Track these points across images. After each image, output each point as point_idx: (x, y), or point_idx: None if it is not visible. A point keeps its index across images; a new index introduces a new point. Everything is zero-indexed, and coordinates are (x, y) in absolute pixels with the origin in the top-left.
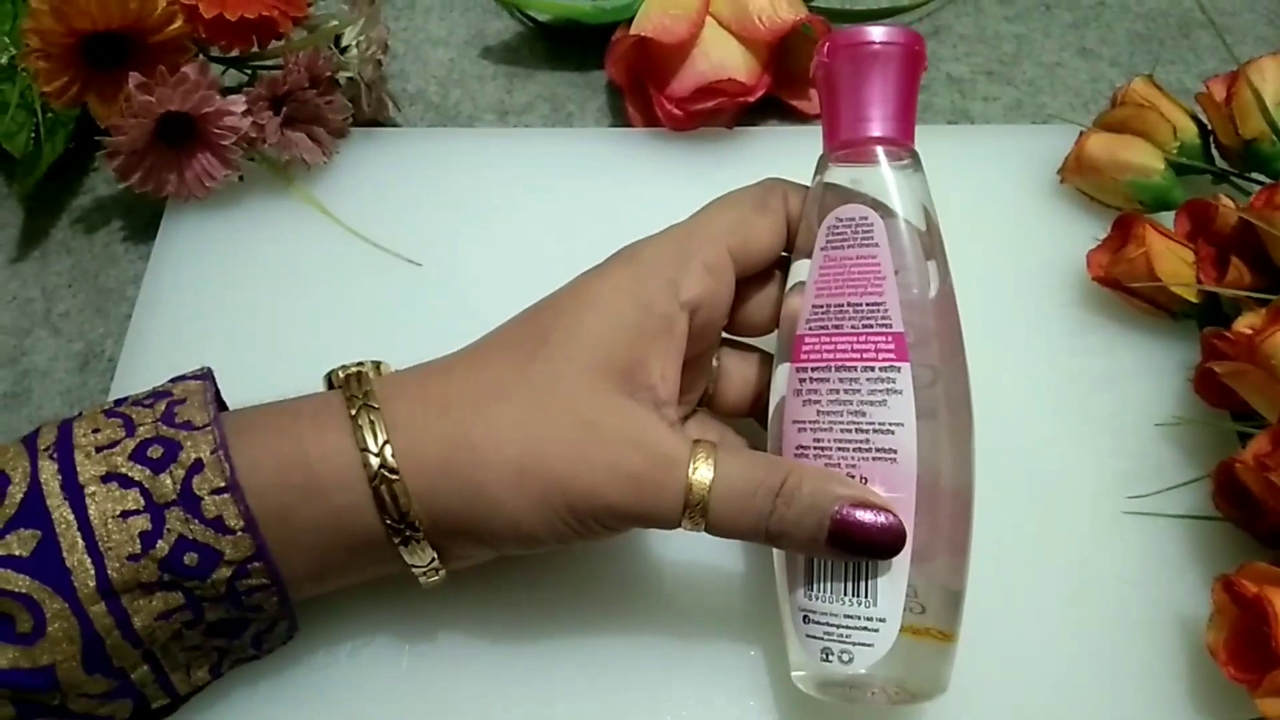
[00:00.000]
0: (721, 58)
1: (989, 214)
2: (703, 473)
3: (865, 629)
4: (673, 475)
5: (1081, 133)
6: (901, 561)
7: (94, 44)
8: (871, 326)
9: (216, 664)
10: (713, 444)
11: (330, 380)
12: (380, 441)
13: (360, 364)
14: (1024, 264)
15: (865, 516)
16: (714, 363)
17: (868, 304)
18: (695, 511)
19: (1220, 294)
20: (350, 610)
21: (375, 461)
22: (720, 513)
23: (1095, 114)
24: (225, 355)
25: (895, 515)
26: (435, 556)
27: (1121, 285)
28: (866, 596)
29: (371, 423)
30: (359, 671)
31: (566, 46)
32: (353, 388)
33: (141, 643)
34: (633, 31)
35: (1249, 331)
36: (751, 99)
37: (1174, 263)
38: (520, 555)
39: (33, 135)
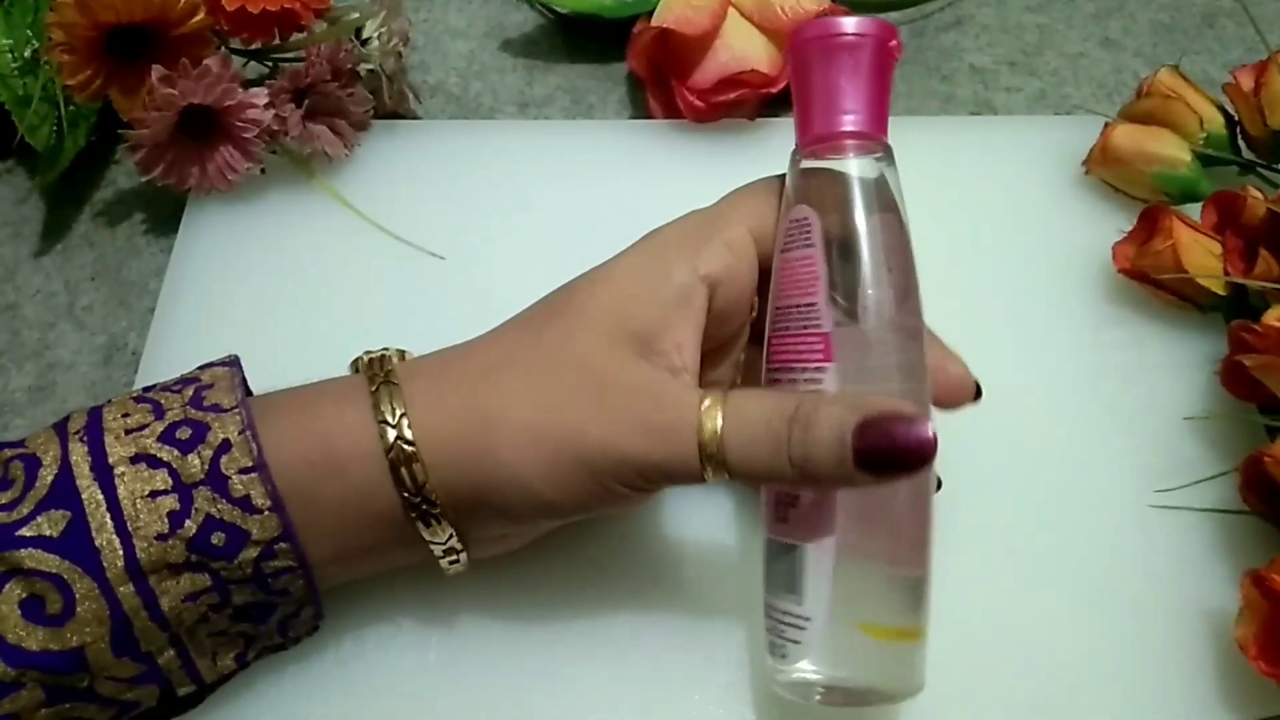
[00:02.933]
0: (743, 49)
1: (1013, 206)
2: (714, 412)
3: (795, 625)
4: (684, 419)
5: (1107, 124)
6: (824, 555)
7: (117, 37)
8: (806, 328)
9: (242, 652)
10: (723, 389)
11: (355, 366)
12: (397, 415)
13: (385, 349)
14: (1049, 257)
15: (889, 425)
16: (740, 356)
17: (804, 304)
18: (713, 454)
19: (1248, 286)
20: (376, 601)
21: (392, 434)
22: (738, 451)
23: (1119, 105)
24: (247, 347)
25: (921, 416)
26: (454, 534)
27: (1148, 278)
28: (795, 592)
29: (390, 398)
30: (388, 662)
31: (587, 38)
32: (375, 368)
33: (169, 625)
34: (654, 23)
35: (1277, 324)
36: (774, 90)
37: (1201, 255)
38: (544, 538)
39: (55, 129)
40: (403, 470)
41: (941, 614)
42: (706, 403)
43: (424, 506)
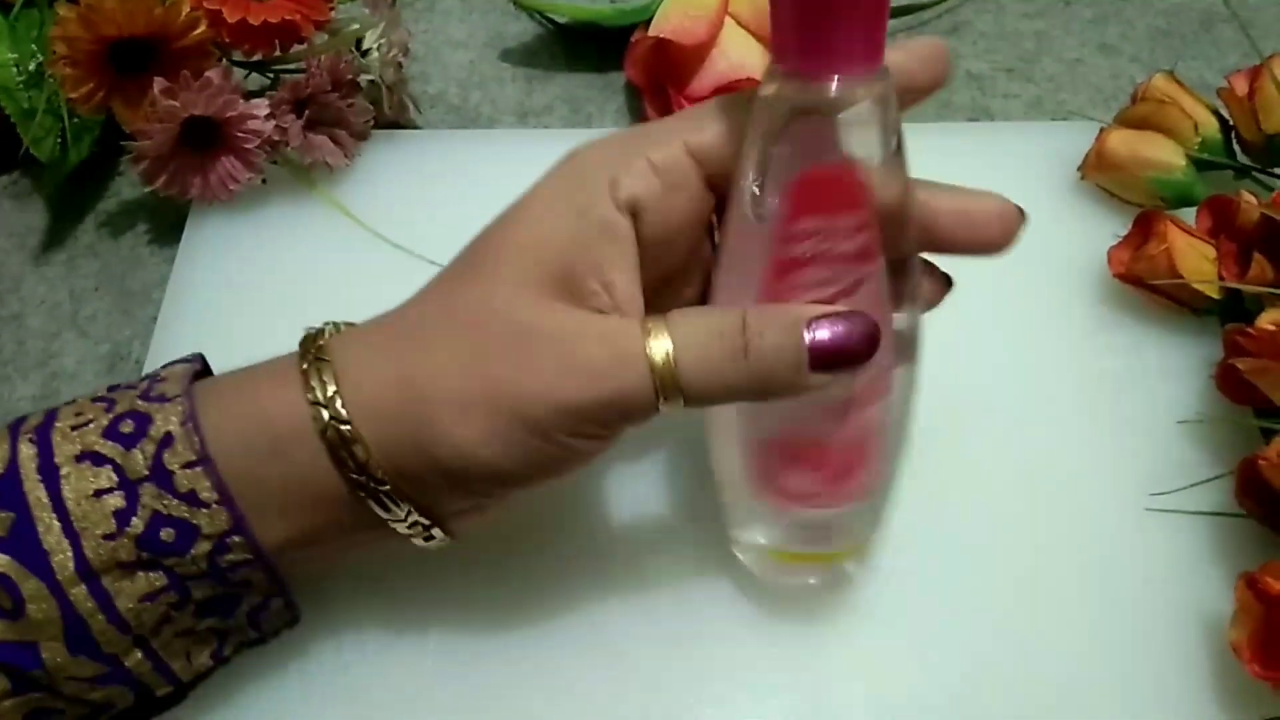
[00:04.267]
0: (741, 57)
1: None
2: (660, 336)
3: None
4: (629, 349)
5: (1102, 129)
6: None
7: (119, 50)
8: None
9: (218, 648)
10: (661, 315)
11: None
12: (329, 393)
13: (326, 323)
14: (1044, 261)
15: (838, 320)
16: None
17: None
18: (668, 380)
19: (1243, 290)
20: (372, 606)
21: (326, 414)
22: (694, 370)
23: (1116, 111)
24: (249, 356)
25: (864, 315)
26: (412, 510)
27: (1143, 282)
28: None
29: (320, 374)
30: (387, 667)
31: (585, 48)
32: (307, 344)
33: (129, 627)
34: (651, 33)
35: (1272, 327)
36: None
37: (1196, 259)
38: (543, 538)
39: (59, 141)
40: (342, 452)
41: (937, 614)
42: (650, 331)
43: (371, 485)
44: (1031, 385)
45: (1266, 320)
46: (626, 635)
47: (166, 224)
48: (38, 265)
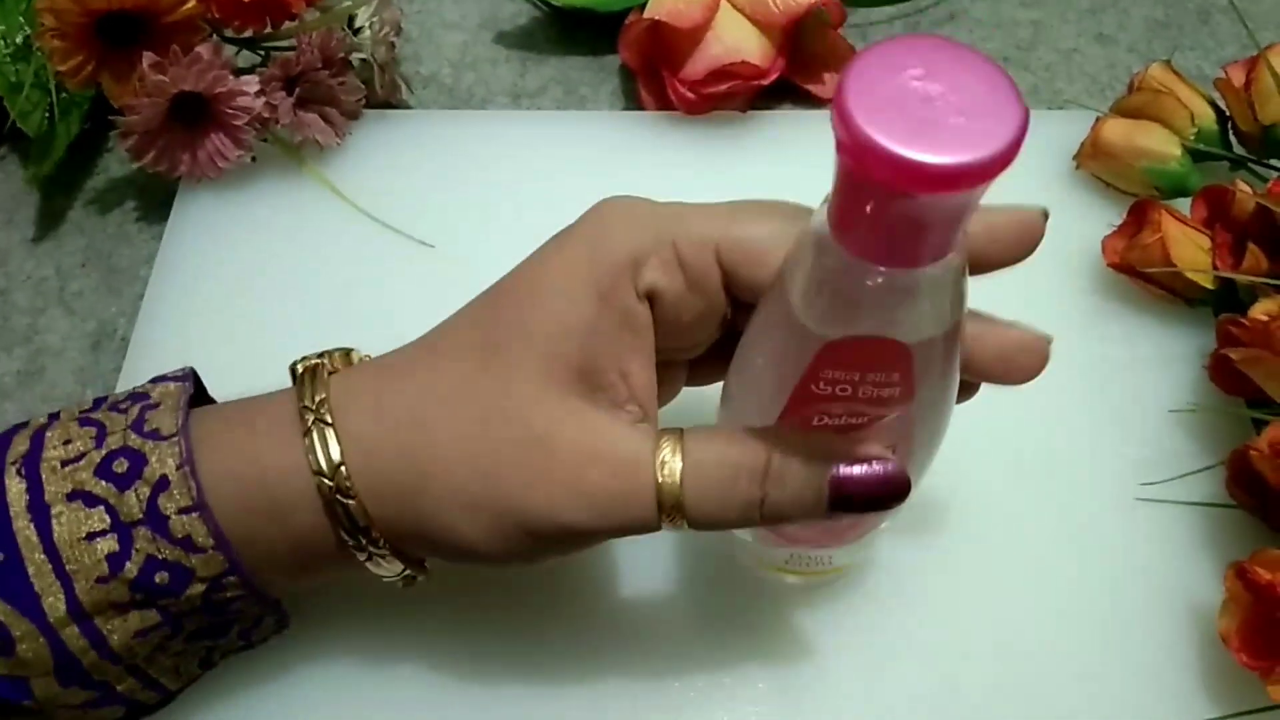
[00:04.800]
0: (735, 41)
1: (1004, 200)
2: (672, 468)
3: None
4: (638, 482)
5: (1098, 118)
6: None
7: (108, 23)
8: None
9: (205, 658)
10: (679, 433)
11: (294, 372)
12: (334, 463)
13: (321, 356)
14: (1039, 250)
15: (863, 471)
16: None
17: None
18: (673, 511)
19: (1236, 280)
20: (358, 611)
21: (329, 485)
22: (700, 510)
23: (1112, 100)
24: (236, 335)
25: (893, 461)
26: (404, 568)
27: (1137, 272)
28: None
29: (324, 444)
30: (369, 675)
31: (579, 30)
32: (306, 396)
33: (121, 659)
34: (646, 15)
35: (1265, 318)
36: (765, 82)
37: (1190, 249)
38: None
39: (47, 115)
40: (343, 518)
41: (924, 605)
42: (662, 455)
43: (370, 548)
44: None
45: (1260, 310)
46: (609, 647)
47: (155, 201)
48: (24, 241)
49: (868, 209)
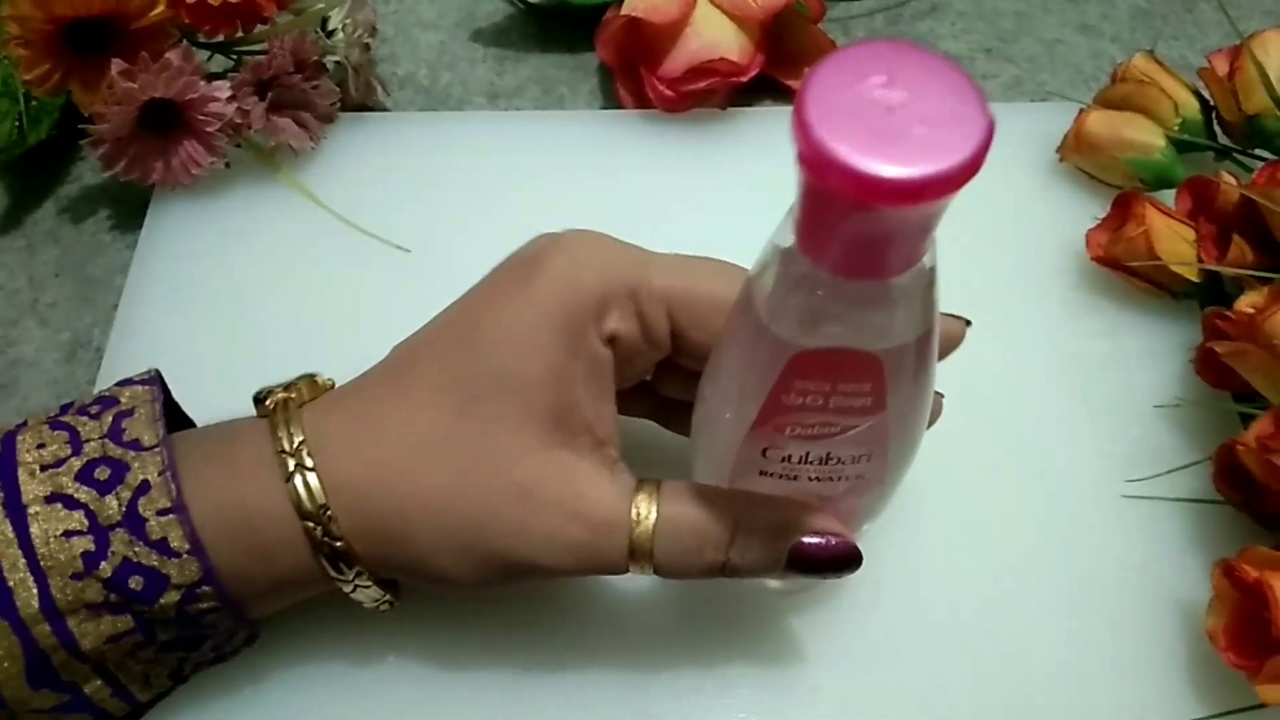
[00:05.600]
0: (714, 37)
1: (986, 194)
2: (645, 526)
3: None
4: (613, 541)
5: (1081, 110)
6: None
7: (76, 31)
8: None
9: (176, 669)
10: (655, 486)
11: (260, 404)
12: (320, 506)
13: (288, 389)
14: (1022, 245)
15: (819, 543)
16: None
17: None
18: (642, 559)
19: (1222, 273)
20: (330, 620)
21: (319, 531)
22: (668, 567)
23: (1096, 91)
24: (212, 344)
25: (847, 537)
26: (385, 595)
27: (1121, 265)
28: None
29: (308, 486)
30: (343, 685)
31: (557, 28)
32: (284, 439)
33: (90, 660)
34: (623, 12)
35: (1251, 310)
36: (744, 79)
37: (1174, 241)
38: None
39: (17, 124)
40: (330, 559)
41: (909, 601)
42: (638, 508)
43: (355, 581)
44: (1008, 369)
45: (1245, 303)
46: (589, 652)
47: (129, 209)
48: None
49: (832, 222)
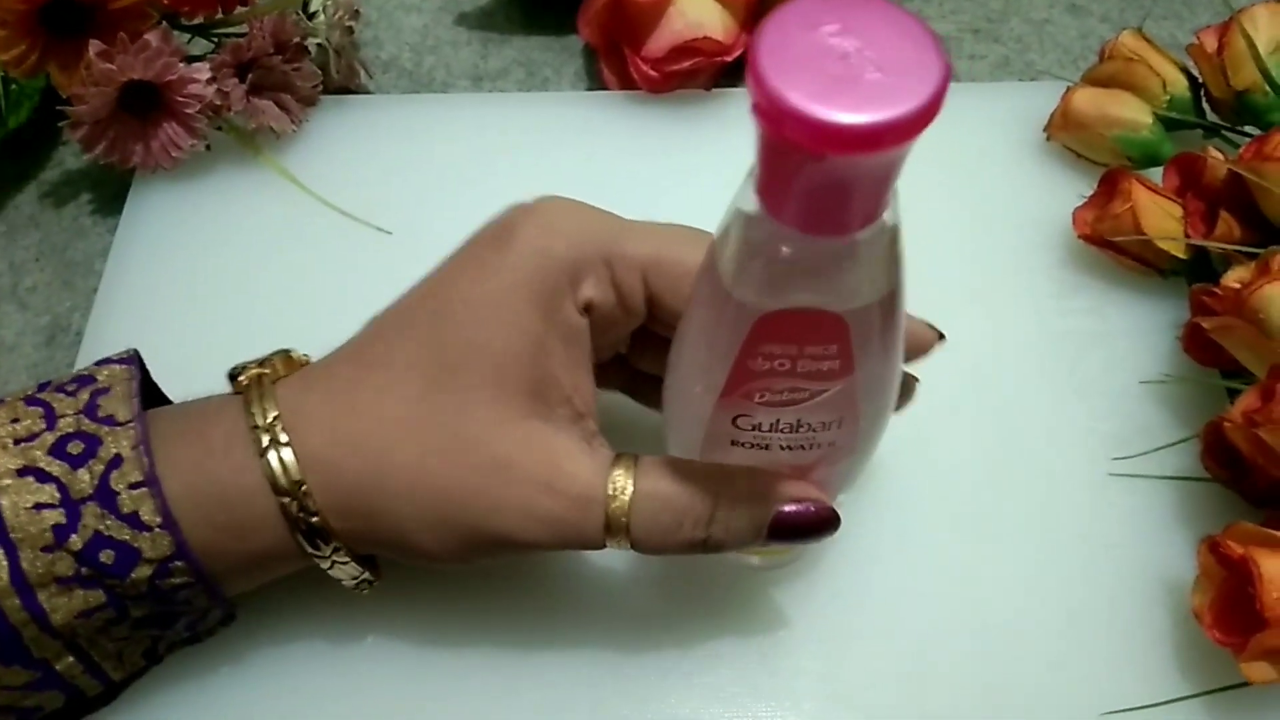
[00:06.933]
0: (698, 16)
1: (975, 173)
2: (621, 501)
3: None
4: (589, 516)
5: (1068, 88)
6: None
7: (53, 11)
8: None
9: (151, 648)
10: (633, 460)
11: (234, 381)
12: (295, 482)
13: (262, 364)
14: (1010, 223)
15: (799, 509)
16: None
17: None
18: (619, 534)
19: (1209, 249)
20: (308, 603)
21: (294, 506)
22: (646, 542)
23: (1084, 71)
24: (193, 328)
25: (825, 501)
26: (365, 572)
27: (1108, 242)
28: None
29: (283, 462)
30: (321, 668)
31: (541, 10)
32: (258, 414)
33: (61, 636)
34: None
35: (1237, 286)
36: (729, 59)
37: (1161, 218)
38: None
39: None
40: (307, 534)
41: (890, 584)
42: (614, 484)
43: (333, 557)
44: (995, 347)
45: (1232, 279)
46: (570, 629)
47: (109, 193)
48: None
49: (789, 175)
